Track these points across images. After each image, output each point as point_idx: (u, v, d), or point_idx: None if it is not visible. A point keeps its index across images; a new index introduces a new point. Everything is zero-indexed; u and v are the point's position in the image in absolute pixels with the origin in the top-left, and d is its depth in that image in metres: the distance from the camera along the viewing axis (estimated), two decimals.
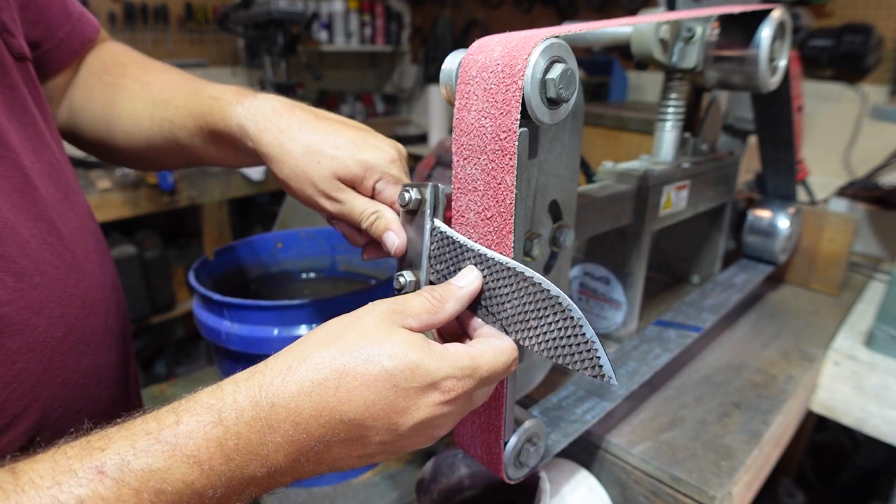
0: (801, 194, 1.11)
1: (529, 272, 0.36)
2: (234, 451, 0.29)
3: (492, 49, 0.36)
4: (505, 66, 0.35)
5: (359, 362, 0.32)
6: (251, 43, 2.44)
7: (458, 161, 0.39)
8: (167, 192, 1.92)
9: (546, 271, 0.51)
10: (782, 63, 0.66)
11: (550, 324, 0.35)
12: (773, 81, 0.65)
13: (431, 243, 0.41)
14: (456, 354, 0.34)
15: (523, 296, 0.36)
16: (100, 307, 0.48)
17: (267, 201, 2.61)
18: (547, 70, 0.35)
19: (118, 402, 0.52)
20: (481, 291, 0.38)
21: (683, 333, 0.68)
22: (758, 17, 0.62)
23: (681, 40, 0.66)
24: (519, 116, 0.35)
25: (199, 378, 0.87)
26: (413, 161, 2.86)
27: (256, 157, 0.48)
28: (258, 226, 2.66)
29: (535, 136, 0.40)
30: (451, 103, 0.40)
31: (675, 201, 0.69)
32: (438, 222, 0.41)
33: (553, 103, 0.36)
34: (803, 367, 0.74)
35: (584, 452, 0.61)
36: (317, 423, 0.31)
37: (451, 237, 0.40)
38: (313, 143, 0.44)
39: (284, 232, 0.78)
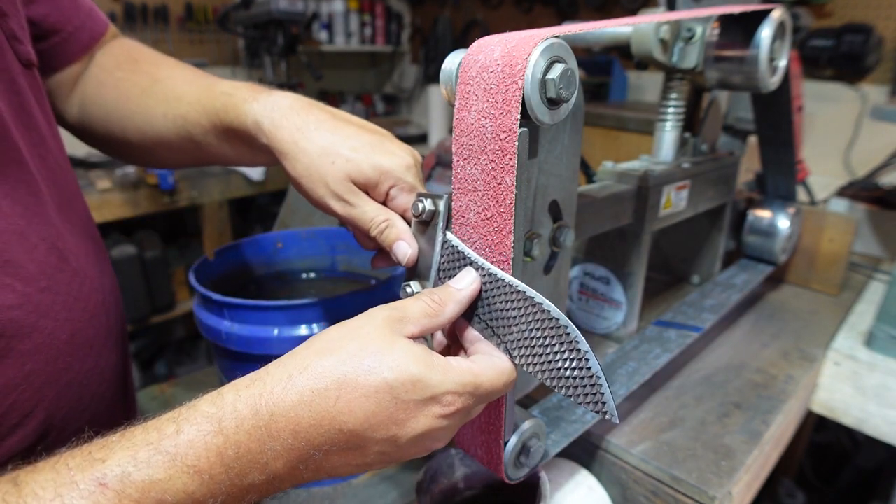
0: (802, 194, 1.11)
1: (539, 298, 0.35)
2: (233, 460, 0.29)
3: (492, 49, 0.36)
4: (505, 66, 0.35)
5: (360, 373, 0.31)
6: (251, 43, 2.44)
7: (458, 161, 0.39)
8: (167, 192, 1.92)
9: (546, 271, 0.51)
10: (782, 63, 0.66)
11: (556, 353, 0.34)
12: (773, 81, 0.65)
13: (442, 256, 0.41)
14: (458, 370, 0.34)
15: (531, 321, 0.35)
16: (100, 310, 0.49)
17: (267, 201, 2.61)
18: (547, 70, 0.35)
19: (118, 402, 0.53)
20: (487, 305, 0.38)
21: (683, 333, 0.68)
22: (758, 17, 0.62)
23: (681, 40, 0.66)
24: (519, 116, 0.35)
25: (199, 378, 0.87)
26: None
27: (271, 155, 0.47)
28: (258, 226, 2.66)
29: (535, 136, 0.40)
30: (451, 103, 0.40)
31: (675, 201, 0.69)
32: (451, 235, 0.40)
33: (553, 103, 0.36)
34: (803, 367, 0.74)
35: (584, 452, 0.61)
36: (316, 432, 0.31)
37: (463, 252, 0.39)
38: (330, 144, 0.44)
39: (284, 232, 0.78)
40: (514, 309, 0.36)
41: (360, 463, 0.33)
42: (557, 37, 0.35)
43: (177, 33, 2.66)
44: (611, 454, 0.59)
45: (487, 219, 0.38)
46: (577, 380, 0.34)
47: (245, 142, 0.49)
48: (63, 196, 0.48)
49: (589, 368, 0.33)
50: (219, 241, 2.13)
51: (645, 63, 0.67)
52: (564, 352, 0.34)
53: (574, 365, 0.34)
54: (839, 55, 1.79)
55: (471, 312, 0.39)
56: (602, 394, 0.33)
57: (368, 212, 0.44)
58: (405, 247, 0.42)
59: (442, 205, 0.41)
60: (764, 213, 0.90)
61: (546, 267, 0.50)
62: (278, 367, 0.32)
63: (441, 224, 0.41)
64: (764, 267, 0.91)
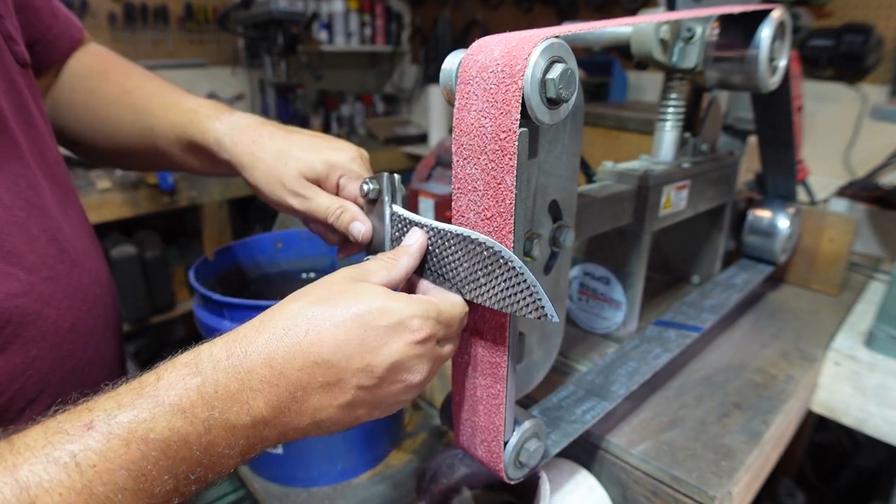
0: (801, 194, 1.11)
1: (475, 234, 0.38)
2: (214, 399, 0.31)
3: (492, 49, 0.36)
4: (505, 66, 0.35)
5: (327, 307, 0.34)
6: (251, 43, 2.44)
7: (458, 161, 0.39)
8: (167, 192, 1.92)
9: (546, 271, 0.51)
10: (782, 63, 0.66)
11: (497, 277, 0.38)
12: (773, 81, 0.65)
13: (392, 227, 0.44)
14: (418, 299, 0.37)
15: (472, 257, 0.38)
16: (98, 301, 0.51)
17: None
18: (547, 70, 0.35)
19: None
20: (435, 258, 0.41)
21: (683, 333, 0.68)
22: (758, 17, 0.62)
23: (681, 40, 0.66)
24: (519, 116, 0.35)
25: None
26: (413, 161, 2.86)
27: (230, 167, 0.52)
28: (258, 226, 2.66)
29: (535, 136, 0.40)
30: (450, 103, 0.40)
31: (675, 201, 0.69)
32: (396, 207, 0.44)
33: (553, 103, 0.36)
34: (803, 367, 0.74)
35: (584, 452, 0.61)
36: (292, 366, 0.32)
37: (408, 218, 0.43)
38: (282, 149, 0.49)
39: (284, 232, 0.78)
40: (458, 251, 0.39)
41: (342, 403, 0.34)
42: (557, 37, 0.35)
43: (177, 33, 2.65)
44: (611, 454, 0.59)
45: (487, 219, 0.38)
46: (518, 294, 0.37)
47: (207, 155, 0.54)
48: (60, 191, 0.50)
49: (525, 281, 0.36)
50: (219, 241, 2.13)
51: (645, 63, 0.67)
52: (503, 273, 0.37)
53: (512, 282, 0.37)
54: (839, 55, 1.78)
55: (422, 269, 0.42)
56: (539, 299, 0.36)
57: (323, 203, 0.48)
58: (359, 225, 0.47)
59: (385, 181, 0.44)
60: (764, 213, 0.90)
61: (546, 267, 0.50)
62: (251, 321, 0.35)
63: (387, 199, 0.44)
64: (764, 267, 0.91)
